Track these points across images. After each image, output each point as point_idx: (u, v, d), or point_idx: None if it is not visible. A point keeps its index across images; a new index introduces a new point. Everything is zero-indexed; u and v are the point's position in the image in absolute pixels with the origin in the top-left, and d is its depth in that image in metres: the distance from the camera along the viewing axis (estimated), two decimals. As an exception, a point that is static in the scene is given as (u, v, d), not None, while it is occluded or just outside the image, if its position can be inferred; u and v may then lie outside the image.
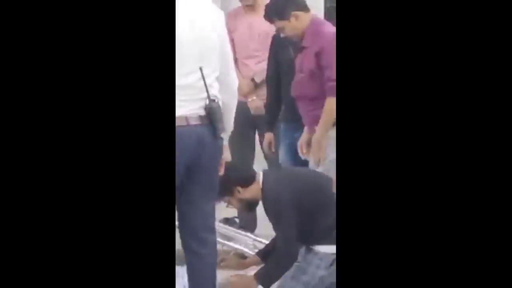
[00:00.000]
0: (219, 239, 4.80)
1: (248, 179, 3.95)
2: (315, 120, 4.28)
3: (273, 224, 4.09)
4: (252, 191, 3.94)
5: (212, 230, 3.35)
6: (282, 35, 4.39)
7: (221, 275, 4.05)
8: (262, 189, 3.92)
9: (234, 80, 3.35)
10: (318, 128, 4.27)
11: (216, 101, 3.18)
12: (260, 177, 3.97)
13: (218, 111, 3.17)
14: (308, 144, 4.39)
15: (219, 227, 5.08)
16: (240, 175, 3.97)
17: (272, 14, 4.31)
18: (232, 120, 3.37)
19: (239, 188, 3.92)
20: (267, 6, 4.37)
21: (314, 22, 4.34)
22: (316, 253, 3.87)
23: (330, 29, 4.27)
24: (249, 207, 4.09)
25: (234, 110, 3.37)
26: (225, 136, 3.35)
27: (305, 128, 4.44)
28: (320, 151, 4.26)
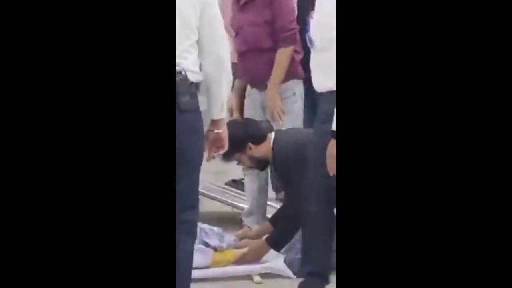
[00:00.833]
0: (228, 200, 4.82)
1: (260, 136, 3.95)
2: (261, 75, 4.30)
3: (282, 186, 4.08)
4: (264, 149, 3.95)
5: (192, 208, 2.98)
6: None
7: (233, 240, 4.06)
8: (273, 149, 3.91)
9: (221, 50, 2.96)
10: (272, 82, 4.29)
11: (183, 73, 2.83)
12: (271, 136, 3.96)
13: (181, 85, 2.80)
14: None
15: (226, 189, 5.10)
16: (253, 131, 3.97)
17: None
18: (222, 96, 3.02)
19: (251, 145, 3.92)
20: None
21: None
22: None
23: None
24: (259, 165, 4.09)
25: (223, 85, 3.00)
26: (220, 112, 3.03)
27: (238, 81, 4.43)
28: (278, 105, 4.27)
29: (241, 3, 4.39)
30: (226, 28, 3.19)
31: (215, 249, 3.97)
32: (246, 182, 4.52)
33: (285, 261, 3.87)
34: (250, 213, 4.48)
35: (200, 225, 4.13)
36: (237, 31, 4.43)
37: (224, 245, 3.99)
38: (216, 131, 3.04)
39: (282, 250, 3.94)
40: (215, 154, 3.21)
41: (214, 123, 3.03)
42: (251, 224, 4.42)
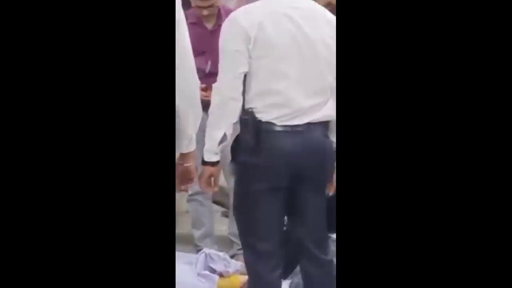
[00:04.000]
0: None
1: None
2: None
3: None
4: None
5: None
6: (206, 12, 4.41)
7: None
8: None
9: (191, 83, 2.85)
10: None
11: None
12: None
13: None
14: None
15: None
16: None
17: None
18: (190, 130, 2.93)
19: None
20: None
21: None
22: (333, 241, 3.83)
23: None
24: None
25: (191, 119, 2.90)
26: (188, 146, 2.93)
27: None
28: None
29: (210, 29, 4.39)
30: None
31: (221, 275, 3.94)
32: None
33: (290, 286, 3.85)
34: None
35: (205, 250, 4.12)
36: (204, 51, 4.29)
37: (230, 270, 3.96)
38: (185, 164, 2.96)
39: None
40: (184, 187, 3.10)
41: (183, 156, 2.95)
42: None
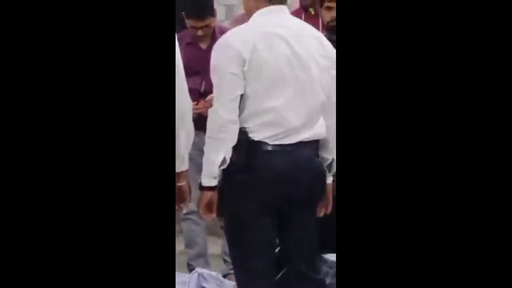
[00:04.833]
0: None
1: None
2: None
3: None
4: None
5: None
6: (200, 33, 4.39)
7: None
8: None
9: (182, 102, 2.88)
10: None
11: None
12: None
13: None
14: None
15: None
16: None
17: (206, 11, 4.35)
18: (181, 149, 2.93)
19: None
20: (197, 5, 4.37)
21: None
22: (325, 261, 3.84)
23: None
24: None
25: (182, 138, 2.94)
26: (180, 165, 2.97)
27: None
28: None
29: (205, 48, 4.38)
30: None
31: (213, 295, 3.95)
32: None
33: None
34: None
35: (198, 269, 4.12)
36: (199, 70, 4.24)
37: (222, 290, 3.97)
38: (178, 184, 2.98)
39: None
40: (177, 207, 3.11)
41: (176, 176, 2.92)
42: None
